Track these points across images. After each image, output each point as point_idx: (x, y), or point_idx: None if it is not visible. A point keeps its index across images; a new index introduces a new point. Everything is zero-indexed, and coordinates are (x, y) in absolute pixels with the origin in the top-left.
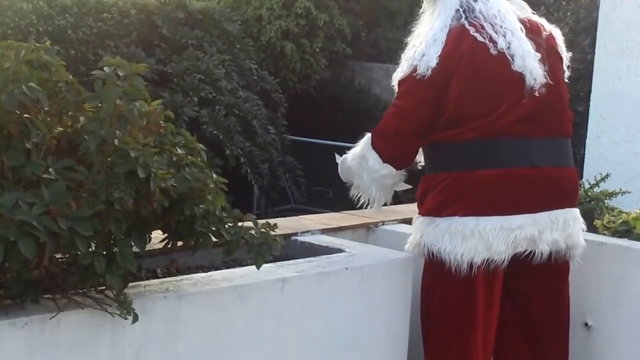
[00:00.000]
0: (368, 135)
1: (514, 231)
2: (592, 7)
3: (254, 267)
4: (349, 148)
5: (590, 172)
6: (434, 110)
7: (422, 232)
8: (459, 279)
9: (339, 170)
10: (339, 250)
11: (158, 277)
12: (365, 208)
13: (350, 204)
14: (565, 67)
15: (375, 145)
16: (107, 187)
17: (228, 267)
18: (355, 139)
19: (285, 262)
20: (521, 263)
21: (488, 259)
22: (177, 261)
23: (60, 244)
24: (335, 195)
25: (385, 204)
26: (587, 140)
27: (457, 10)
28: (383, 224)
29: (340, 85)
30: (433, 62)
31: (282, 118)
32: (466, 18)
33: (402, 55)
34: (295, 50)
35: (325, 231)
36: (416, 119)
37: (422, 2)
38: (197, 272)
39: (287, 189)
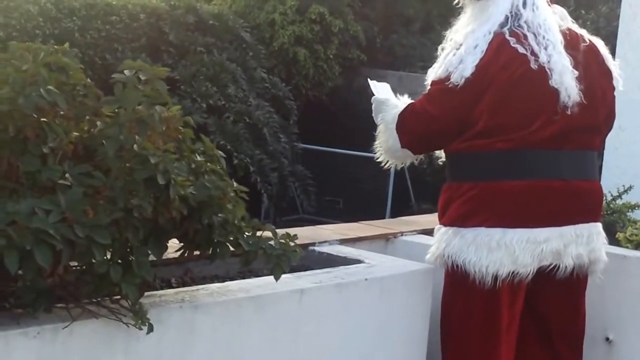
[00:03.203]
0: (400, 109)
1: (540, 244)
2: (612, 16)
3: (271, 277)
4: (362, 157)
5: (607, 184)
6: (459, 121)
7: (446, 242)
8: (482, 292)
9: (373, 106)
10: (358, 261)
11: (172, 287)
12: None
13: (360, 216)
14: (614, 79)
15: (398, 129)
16: (126, 193)
17: (244, 278)
18: (368, 147)
19: (303, 273)
20: (544, 277)
21: (513, 272)
22: (192, 271)
23: (75, 252)
24: (345, 205)
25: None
26: (605, 152)
27: (505, 16)
28: (402, 235)
29: (354, 93)
30: (468, 72)
31: (293, 126)
32: (510, 26)
33: (440, 48)
34: (309, 57)
35: (343, 241)
36: (438, 127)
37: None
38: (212, 282)
39: (296, 199)
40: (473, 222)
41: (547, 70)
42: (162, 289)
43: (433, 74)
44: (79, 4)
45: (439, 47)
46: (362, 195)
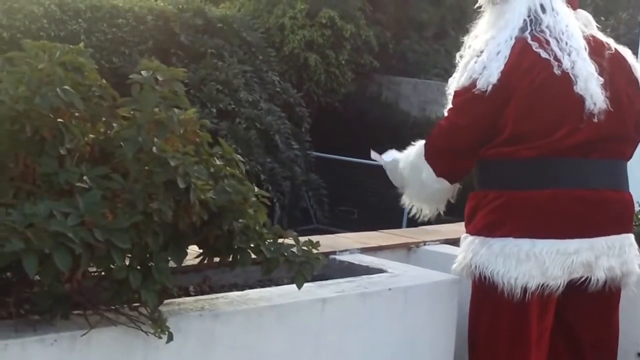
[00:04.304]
0: (421, 144)
1: (570, 256)
2: (633, 23)
3: (291, 286)
4: (378, 167)
5: (636, 194)
6: (490, 128)
7: (473, 252)
8: (510, 304)
9: (388, 172)
10: (380, 271)
11: (190, 295)
12: (416, 219)
13: (375, 227)
14: None
15: (427, 158)
16: (145, 197)
17: (263, 286)
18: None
19: (325, 282)
20: (575, 290)
21: (543, 284)
22: (210, 279)
23: (94, 257)
24: (360, 215)
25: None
26: (632, 162)
27: (524, 20)
28: (424, 244)
29: (367, 100)
30: (494, 78)
31: (305, 133)
32: (531, 31)
33: (459, 56)
34: (320, 62)
35: (364, 250)
36: (470, 137)
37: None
38: (230, 290)
39: (310, 208)
40: (500, 232)
41: (572, 76)
42: (179, 297)
43: (455, 83)
44: (85, 5)
45: (457, 55)
46: (377, 205)
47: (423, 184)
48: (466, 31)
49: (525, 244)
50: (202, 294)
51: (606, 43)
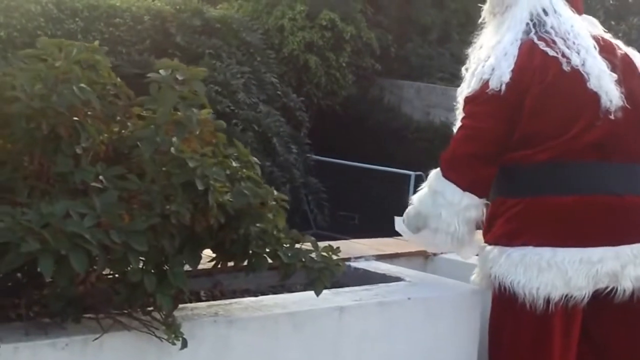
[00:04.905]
0: (434, 171)
1: (594, 265)
2: None
3: (307, 293)
4: (379, 172)
5: None
6: (510, 128)
7: (492, 262)
8: (533, 317)
9: (406, 227)
10: (398, 279)
11: (201, 300)
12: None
13: (377, 233)
14: None
15: (448, 175)
16: (162, 199)
17: (276, 293)
18: (383, 160)
19: (342, 289)
20: (601, 302)
21: (567, 295)
22: (222, 283)
23: (109, 259)
24: (360, 221)
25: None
26: None
27: (527, 24)
28: (442, 253)
29: (368, 103)
30: (506, 77)
31: (304, 137)
32: (536, 32)
33: (464, 69)
34: (320, 64)
35: (380, 257)
36: (493, 139)
37: (482, 13)
38: (242, 296)
39: (309, 213)
40: (520, 241)
41: (583, 74)
42: (190, 301)
43: (467, 90)
44: (82, 5)
45: (463, 68)
46: (379, 211)
47: (450, 204)
48: (470, 38)
49: (546, 252)
50: (214, 298)
51: (616, 44)
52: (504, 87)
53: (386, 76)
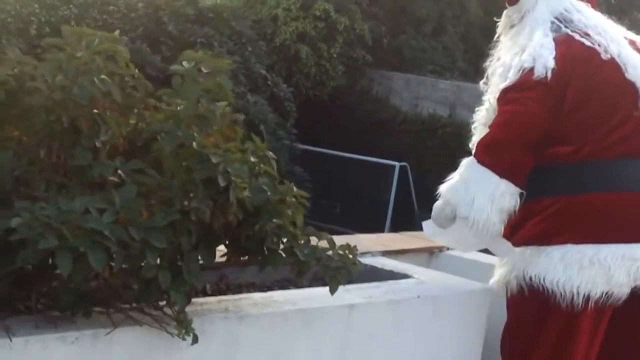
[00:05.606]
0: (466, 159)
1: (636, 261)
2: None
3: (315, 289)
4: (363, 162)
5: None
6: (551, 120)
7: (525, 263)
8: (562, 315)
9: (433, 222)
10: (405, 276)
11: (207, 294)
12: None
13: (358, 222)
14: None
15: (483, 159)
16: (182, 195)
17: (281, 287)
18: (370, 151)
19: (350, 286)
20: (629, 301)
21: (606, 293)
22: (227, 277)
23: (127, 255)
24: (342, 210)
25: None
26: None
27: (552, 22)
28: (447, 249)
29: (357, 94)
30: (550, 63)
31: (291, 127)
32: (566, 27)
33: (482, 84)
34: (311, 55)
35: (386, 253)
36: (537, 125)
37: (498, 29)
38: (248, 290)
39: None
40: (559, 240)
41: (620, 64)
42: (197, 295)
43: (502, 85)
44: None
45: (481, 83)
46: (361, 200)
47: (485, 191)
48: (489, 57)
49: (588, 249)
50: (220, 292)
51: (634, 39)
52: (549, 73)
53: (377, 67)
